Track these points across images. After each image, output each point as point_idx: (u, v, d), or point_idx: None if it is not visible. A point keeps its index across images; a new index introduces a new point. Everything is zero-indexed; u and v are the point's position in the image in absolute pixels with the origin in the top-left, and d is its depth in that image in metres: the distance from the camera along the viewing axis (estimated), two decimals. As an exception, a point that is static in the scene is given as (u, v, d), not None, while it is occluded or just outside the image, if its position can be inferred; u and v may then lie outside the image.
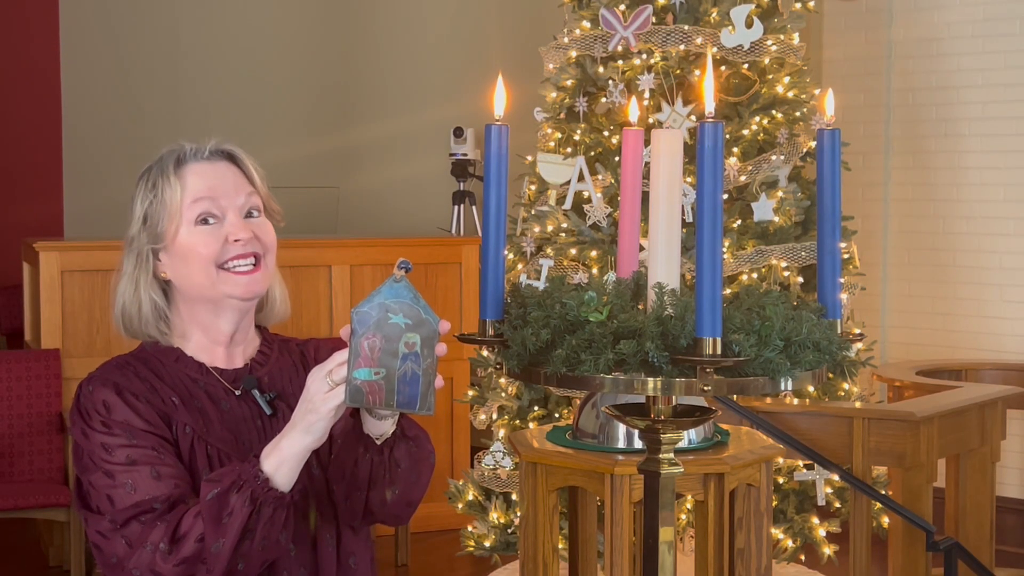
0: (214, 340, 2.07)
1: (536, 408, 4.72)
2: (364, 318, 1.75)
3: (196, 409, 2.01)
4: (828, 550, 4.63)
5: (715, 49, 4.57)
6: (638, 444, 3.20)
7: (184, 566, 1.86)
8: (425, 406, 1.76)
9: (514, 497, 4.70)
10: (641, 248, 2.05)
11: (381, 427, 1.97)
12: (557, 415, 4.66)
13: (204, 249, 2.01)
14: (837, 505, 4.68)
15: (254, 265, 2.04)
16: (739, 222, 4.59)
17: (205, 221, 2.03)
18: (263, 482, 1.86)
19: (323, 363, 1.86)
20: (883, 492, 4.37)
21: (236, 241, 2.02)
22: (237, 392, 2.06)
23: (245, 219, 2.05)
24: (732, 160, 4.57)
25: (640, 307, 1.87)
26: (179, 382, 2.03)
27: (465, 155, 7.86)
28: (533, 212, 4.81)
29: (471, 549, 4.84)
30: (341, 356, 1.82)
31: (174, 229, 2.02)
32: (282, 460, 1.88)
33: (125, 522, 1.89)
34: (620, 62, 4.66)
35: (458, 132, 7.86)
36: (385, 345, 1.75)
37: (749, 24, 4.56)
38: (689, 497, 3.54)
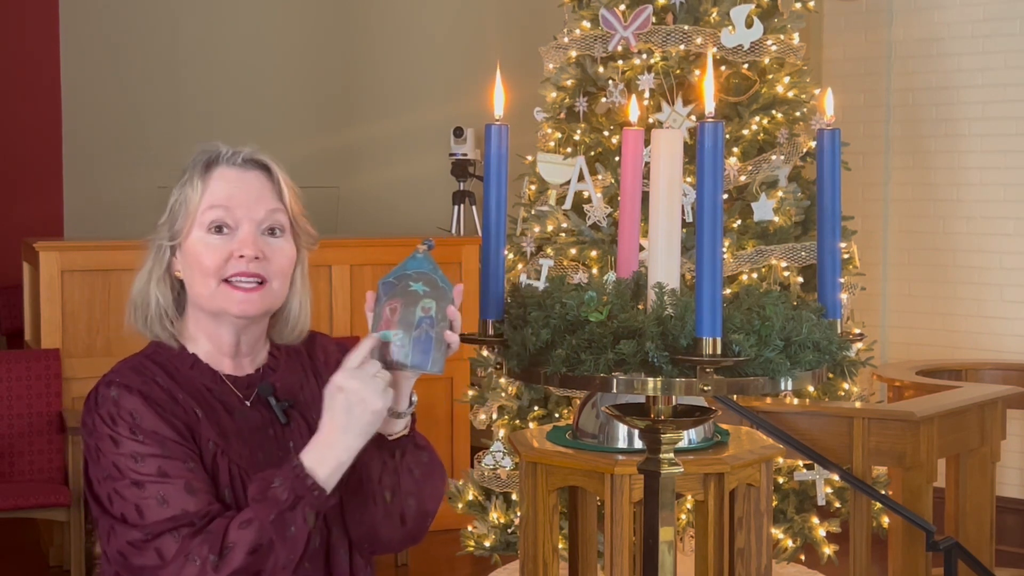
0: (219, 349, 2.03)
1: (536, 408, 4.72)
2: (388, 286, 1.89)
3: (216, 422, 1.98)
4: (828, 550, 4.63)
5: (715, 49, 4.57)
6: (638, 444, 3.20)
7: None
8: (436, 366, 1.87)
9: (514, 497, 4.70)
10: (641, 248, 2.05)
11: (394, 426, 1.97)
12: (557, 415, 4.66)
13: (207, 260, 1.97)
14: (837, 505, 4.68)
15: (259, 284, 1.98)
16: (739, 222, 4.59)
17: (218, 230, 1.98)
18: (319, 493, 1.87)
19: (360, 367, 1.85)
20: (883, 492, 4.37)
21: (241, 257, 1.97)
22: (248, 401, 2.04)
23: (262, 236, 1.99)
24: (732, 160, 4.57)
25: (640, 307, 1.87)
26: (197, 391, 1.99)
27: (465, 155, 7.86)
28: (533, 212, 4.81)
29: (471, 549, 4.84)
30: (365, 348, 1.87)
31: (187, 230, 1.98)
32: (334, 469, 1.88)
33: (159, 534, 1.87)
34: (620, 62, 4.66)
35: (458, 132, 7.86)
36: (404, 310, 1.87)
37: (749, 24, 4.57)
38: (689, 497, 3.54)
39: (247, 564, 1.85)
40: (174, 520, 1.87)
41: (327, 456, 1.87)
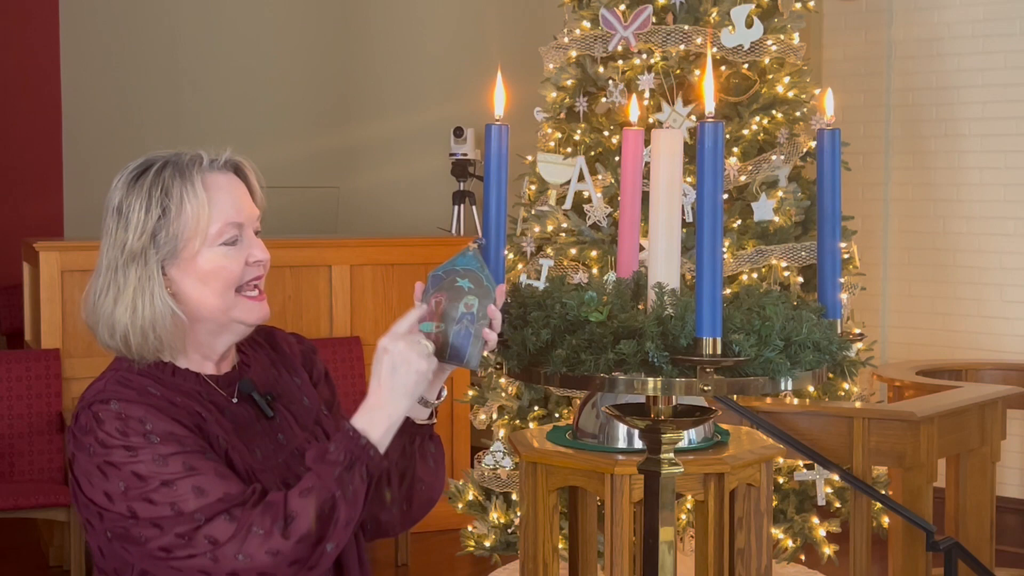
0: (205, 356, 2.02)
1: (536, 408, 4.72)
2: (436, 279, 1.93)
3: (215, 420, 1.97)
4: (828, 550, 4.63)
5: (715, 49, 4.57)
6: (638, 444, 3.20)
7: (303, 544, 1.85)
8: (473, 362, 1.92)
9: (514, 497, 4.70)
10: (641, 248, 2.05)
11: (420, 412, 2.01)
12: (557, 415, 4.66)
13: (227, 273, 1.95)
14: (837, 505, 4.67)
15: (258, 290, 1.99)
16: (739, 222, 4.59)
17: (231, 242, 1.96)
18: (375, 453, 1.90)
19: (405, 330, 1.89)
20: (883, 492, 4.37)
21: (256, 263, 1.98)
22: (234, 399, 2.03)
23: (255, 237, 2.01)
24: (732, 160, 4.57)
25: (640, 307, 1.87)
26: (189, 394, 1.97)
27: (465, 155, 7.86)
28: (533, 212, 4.81)
29: (471, 549, 4.84)
30: (413, 316, 1.91)
31: (196, 247, 1.94)
32: (386, 429, 1.91)
33: (210, 519, 1.84)
34: (620, 62, 4.66)
35: (458, 132, 7.86)
36: (448, 304, 1.92)
37: (749, 24, 4.56)
38: (689, 497, 3.54)
39: (314, 530, 1.85)
40: (223, 501, 1.85)
41: (377, 417, 1.90)
